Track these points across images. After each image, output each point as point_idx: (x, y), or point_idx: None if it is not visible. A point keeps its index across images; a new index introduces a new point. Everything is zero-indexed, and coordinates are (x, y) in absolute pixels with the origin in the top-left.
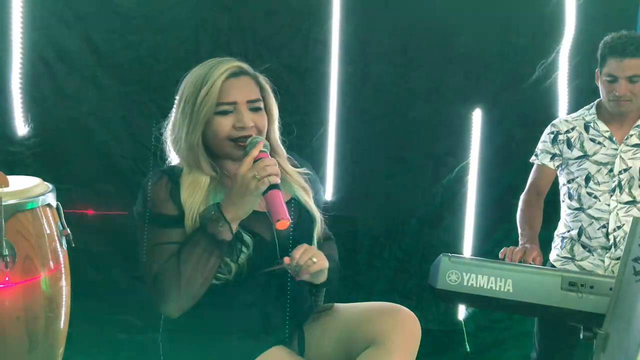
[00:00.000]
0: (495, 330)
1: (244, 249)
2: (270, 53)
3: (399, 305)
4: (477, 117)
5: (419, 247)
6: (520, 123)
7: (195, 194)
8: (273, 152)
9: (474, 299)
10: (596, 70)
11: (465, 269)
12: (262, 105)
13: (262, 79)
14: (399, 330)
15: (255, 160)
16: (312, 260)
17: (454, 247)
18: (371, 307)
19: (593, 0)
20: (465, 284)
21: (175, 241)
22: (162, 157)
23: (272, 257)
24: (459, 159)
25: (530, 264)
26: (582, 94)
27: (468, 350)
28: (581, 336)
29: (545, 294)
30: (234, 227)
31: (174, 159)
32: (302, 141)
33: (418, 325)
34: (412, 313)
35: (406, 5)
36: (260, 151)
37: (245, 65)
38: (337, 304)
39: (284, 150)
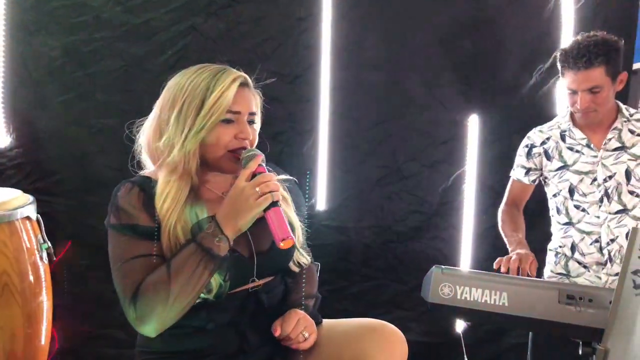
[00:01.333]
0: (494, 342)
1: (225, 267)
2: (260, 60)
3: (384, 322)
4: (473, 123)
5: (414, 256)
6: (518, 130)
7: (173, 206)
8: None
9: (468, 313)
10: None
11: (459, 282)
12: (257, 119)
13: (258, 94)
14: (385, 348)
15: (254, 175)
16: (304, 336)
17: (450, 256)
18: (356, 325)
19: (591, 2)
20: (458, 297)
21: (155, 254)
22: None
23: (250, 275)
24: (454, 167)
25: (528, 272)
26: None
27: None
28: (580, 352)
29: (542, 307)
30: (232, 241)
31: (148, 167)
32: (292, 149)
33: (404, 343)
34: (397, 330)
35: (400, 10)
36: (259, 165)
37: (248, 78)
38: (323, 320)
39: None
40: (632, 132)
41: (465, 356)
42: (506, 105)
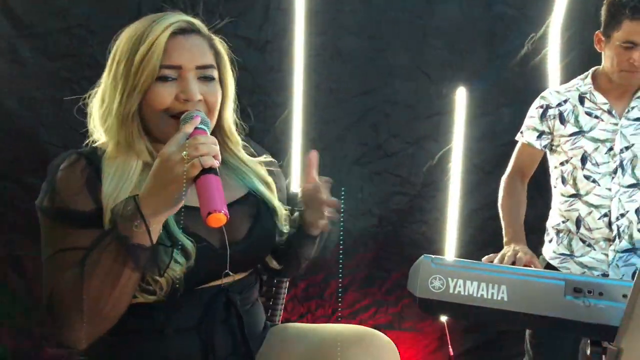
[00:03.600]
0: (479, 331)
1: (179, 258)
2: (225, 24)
3: (373, 331)
4: (460, 96)
5: (397, 242)
6: (508, 103)
7: (121, 185)
8: (224, 138)
9: (462, 310)
10: (597, 33)
11: (451, 274)
12: (215, 74)
13: (219, 42)
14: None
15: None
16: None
17: (434, 241)
18: (340, 332)
19: None
20: (451, 291)
21: (85, 246)
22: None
23: (221, 269)
24: (441, 144)
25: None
26: (575, 72)
27: (451, 353)
28: (588, 352)
29: (546, 302)
30: (155, 227)
31: (99, 138)
32: (263, 125)
33: (396, 353)
34: (388, 339)
35: None
36: (196, 128)
37: (197, 22)
38: (298, 325)
39: (238, 137)
40: None
41: (449, 346)
42: (496, 76)
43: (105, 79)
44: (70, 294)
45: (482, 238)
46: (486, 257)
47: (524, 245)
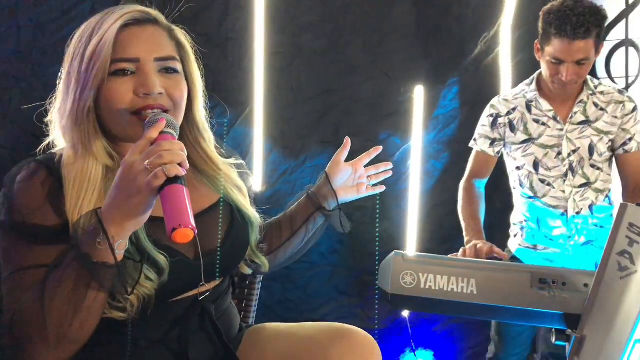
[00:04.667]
0: (439, 323)
1: (150, 275)
2: (183, 20)
3: (354, 328)
4: (418, 95)
5: (359, 240)
6: (464, 101)
7: (83, 194)
8: (195, 138)
9: (433, 304)
10: (536, 42)
11: (422, 269)
12: (179, 67)
13: (180, 33)
14: (356, 357)
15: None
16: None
17: (397, 238)
18: (321, 330)
19: None
20: (422, 286)
21: (48, 264)
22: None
23: (195, 282)
24: (401, 142)
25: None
26: (525, 71)
27: (414, 346)
28: (553, 340)
29: (514, 294)
30: (120, 244)
31: (58, 142)
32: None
33: (376, 348)
34: (369, 336)
35: None
36: (162, 132)
37: (154, 12)
38: (275, 325)
39: (211, 135)
40: (596, 105)
41: (411, 340)
42: (452, 75)
43: (60, 79)
44: (32, 316)
45: (441, 233)
46: (449, 256)
47: (483, 241)
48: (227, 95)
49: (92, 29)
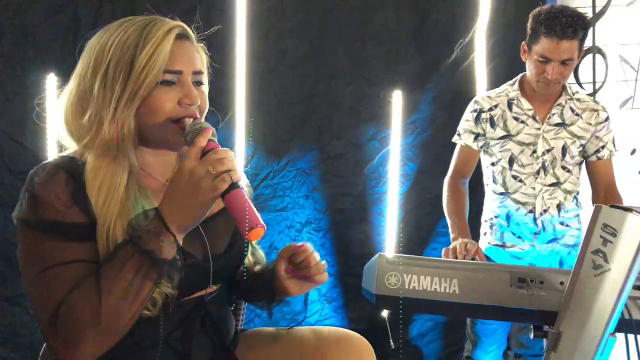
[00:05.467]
0: (417, 322)
1: (173, 274)
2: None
3: (350, 332)
4: (397, 99)
5: (341, 242)
6: (441, 105)
7: (110, 197)
8: None
9: (418, 304)
10: (523, 44)
11: (406, 270)
12: (204, 80)
13: (203, 49)
14: None
15: (205, 152)
16: (323, 265)
17: (377, 239)
18: (317, 334)
19: None
20: (406, 287)
21: (86, 259)
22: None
23: (203, 283)
24: (381, 145)
25: (476, 257)
26: (499, 76)
27: (392, 347)
28: (531, 336)
29: (494, 293)
30: (180, 240)
31: (68, 147)
32: None
33: (372, 353)
34: (364, 340)
35: None
36: (209, 140)
37: (188, 29)
38: (270, 329)
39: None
40: (572, 110)
41: (390, 339)
42: (429, 80)
43: (86, 86)
44: (85, 309)
45: (420, 234)
46: (443, 250)
47: (470, 238)
48: (209, 99)
49: (136, 37)
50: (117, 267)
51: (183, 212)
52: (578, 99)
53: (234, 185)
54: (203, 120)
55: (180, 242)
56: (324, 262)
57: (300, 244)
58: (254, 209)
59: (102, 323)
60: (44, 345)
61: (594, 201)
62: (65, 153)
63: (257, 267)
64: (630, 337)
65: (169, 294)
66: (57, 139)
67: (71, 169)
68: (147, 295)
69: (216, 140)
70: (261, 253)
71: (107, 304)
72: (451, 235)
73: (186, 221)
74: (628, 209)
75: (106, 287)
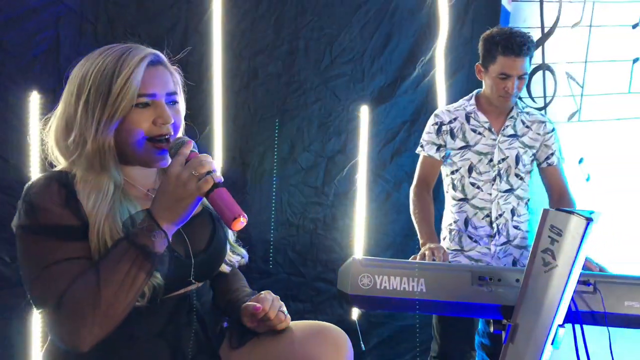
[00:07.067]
0: (386, 325)
1: (164, 265)
2: (145, 45)
3: (328, 324)
4: (364, 114)
5: (312, 249)
6: (404, 119)
7: (98, 203)
8: None
9: (389, 302)
10: (477, 65)
11: (377, 271)
12: (178, 99)
13: (176, 71)
14: (330, 351)
15: (187, 161)
16: (284, 313)
17: (347, 247)
18: (299, 327)
19: (462, 0)
20: (378, 287)
21: (82, 256)
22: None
23: (185, 278)
24: (349, 157)
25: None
26: (458, 90)
27: (363, 349)
28: (491, 329)
29: (457, 291)
30: (170, 236)
31: (59, 163)
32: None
33: (349, 343)
34: (342, 332)
35: None
36: (191, 151)
37: (161, 55)
38: None
39: None
40: (523, 122)
41: (361, 342)
42: (392, 96)
43: (68, 110)
44: (86, 298)
45: (386, 241)
46: (412, 257)
47: (437, 243)
48: (189, 115)
49: (112, 65)
50: (115, 260)
51: (172, 212)
52: (527, 113)
53: (216, 185)
54: (182, 134)
55: (170, 239)
56: (283, 309)
57: (257, 305)
58: (235, 203)
59: (101, 310)
60: (46, 343)
61: (550, 206)
62: (56, 169)
63: (233, 293)
64: (577, 327)
65: (156, 285)
66: (48, 155)
67: (63, 180)
68: (142, 284)
69: (197, 151)
70: (241, 249)
71: (106, 293)
72: (420, 241)
73: (175, 218)
74: (571, 212)
75: (105, 277)
